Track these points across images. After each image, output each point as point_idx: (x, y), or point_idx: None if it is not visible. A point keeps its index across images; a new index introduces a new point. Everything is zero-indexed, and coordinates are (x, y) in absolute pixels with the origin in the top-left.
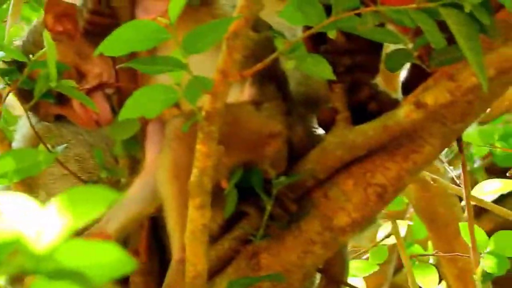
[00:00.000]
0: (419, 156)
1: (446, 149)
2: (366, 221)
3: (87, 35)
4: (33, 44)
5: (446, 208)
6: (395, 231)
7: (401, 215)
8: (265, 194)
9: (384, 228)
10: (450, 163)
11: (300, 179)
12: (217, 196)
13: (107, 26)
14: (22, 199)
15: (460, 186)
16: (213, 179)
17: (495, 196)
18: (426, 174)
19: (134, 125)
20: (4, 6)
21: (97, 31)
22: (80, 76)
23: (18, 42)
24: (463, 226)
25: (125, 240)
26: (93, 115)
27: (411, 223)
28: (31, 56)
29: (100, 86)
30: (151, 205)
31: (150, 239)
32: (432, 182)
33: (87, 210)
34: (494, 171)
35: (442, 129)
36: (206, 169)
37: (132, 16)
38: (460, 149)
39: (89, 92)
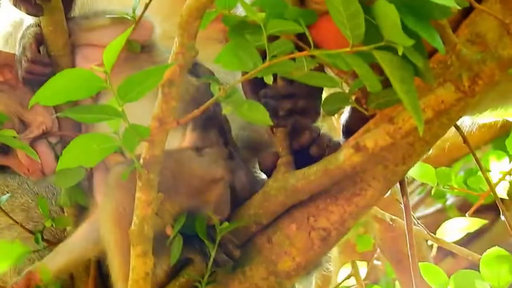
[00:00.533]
0: (362, 199)
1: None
2: (311, 265)
3: (28, 84)
4: None
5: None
6: (355, 272)
7: (369, 256)
8: (209, 240)
9: (345, 269)
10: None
11: (244, 225)
12: (162, 242)
13: (48, 74)
14: None
15: (418, 227)
16: (156, 226)
17: (462, 234)
18: (386, 215)
19: (79, 174)
20: None
21: (37, 80)
22: (24, 125)
23: None
24: (423, 266)
25: None
26: (37, 164)
27: (379, 263)
28: None
29: (43, 135)
30: (95, 249)
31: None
32: (391, 223)
33: None
34: (467, 208)
35: (384, 171)
36: (147, 217)
37: (72, 64)
38: (403, 191)
39: (33, 141)
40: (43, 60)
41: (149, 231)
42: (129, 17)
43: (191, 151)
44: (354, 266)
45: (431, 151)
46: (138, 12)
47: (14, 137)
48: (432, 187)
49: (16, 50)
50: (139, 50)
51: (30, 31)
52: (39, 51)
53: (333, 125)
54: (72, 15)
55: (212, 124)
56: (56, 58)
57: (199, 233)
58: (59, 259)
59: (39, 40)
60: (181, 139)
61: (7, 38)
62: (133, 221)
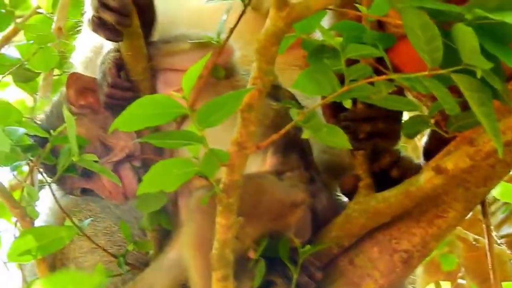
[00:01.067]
0: (444, 221)
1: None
2: (393, 287)
3: (110, 109)
4: (57, 117)
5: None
6: None
7: (453, 275)
8: (291, 263)
9: None
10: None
11: (325, 247)
12: (243, 266)
13: (128, 99)
14: None
15: (501, 246)
16: (238, 249)
17: None
18: (470, 235)
19: (161, 198)
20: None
21: (118, 104)
22: (106, 149)
23: (42, 116)
24: (507, 286)
25: None
26: (120, 188)
27: (463, 282)
28: (52, 131)
29: (126, 159)
30: (181, 276)
31: None
32: (474, 243)
33: None
34: None
35: (465, 193)
36: (227, 241)
37: (153, 89)
38: (484, 212)
39: (116, 165)
40: (123, 85)
41: (230, 255)
42: (214, 42)
43: (272, 176)
44: (438, 287)
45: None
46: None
47: (96, 161)
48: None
49: (97, 75)
50: (223, 75)
51: (110, 56)
52: (119, 76)
53: (416, 145)
54: (152, 40)
55: (293, 148)
56: (136, 83)
57: (281, 256)
58: (161, 284)
59: (119, 65)
60: (261, 163)
61: (87, 63)
62: (214, 245)
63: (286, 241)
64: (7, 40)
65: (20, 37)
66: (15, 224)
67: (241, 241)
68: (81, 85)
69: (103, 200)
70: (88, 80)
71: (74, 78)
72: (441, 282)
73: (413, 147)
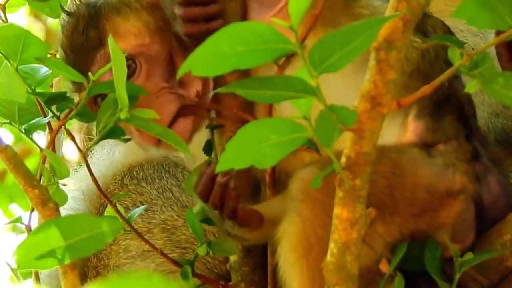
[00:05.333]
0: None
1: None
2: None
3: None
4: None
5: None
6: None
7: None
8: (444, 280)
9: None
10: None
11: (495, 257)
12: (372, 282)
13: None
14: None
15: None
16: (365, 258)
17: None
18: None
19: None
20: None
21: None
22: (173, 69)
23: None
24: None
25: None
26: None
27: None
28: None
29: (195, 108)
30: None
31: None
32: None
33: None
34: None
35: None
36: (350, 244)
37: (244, 13)
38: None
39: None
40: None
41: (353, 265)
42: None
43: (417, 150)
44: None
45: None
46: None
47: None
48: None
49: None
50: None
51: None
52: None
53: None
54: None
55: (448, 108)
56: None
57: (429, 268)
58: None
59: None
60: (400, 130)
61: None
62: (329, 249)
63: (436, 247)
64: None
65: None
66: (31, 212)
67: (370, 246)
68: None
69: (161, 180)
70: None
71: None
72: None
73: None
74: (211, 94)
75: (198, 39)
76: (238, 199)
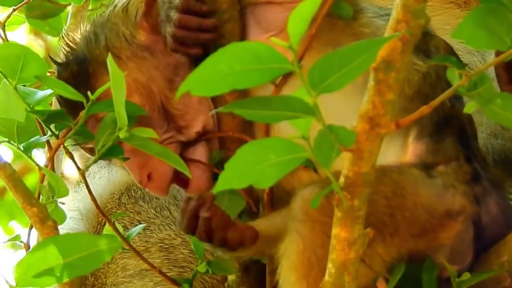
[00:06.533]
0: None
1: None
2: None
3: (179, 51)
4: (92, 50)
5: None
6: None
7: None
8: None
9: None
10: None
11: (493, 277)
12: None
13: (209, 30)
14: None
15: None
16: (363, 277)
17: None
18: None
19: (240, 200)
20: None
21: (192, 41)
22: (169, 121)
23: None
24: None
25: None
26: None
27: None
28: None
29: (199, 138)
30: None
31: None
32: None
33: None
34: None
35: None
36: (348, 263)
37: (243, 33)
38: None
39: (183, 146)
40: (201, 10)
41: (351, 285)
42: None
43: (417, 170)
44: None
45: None
46: None
47: (151, 140)
48: None
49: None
50: (351, 14)
51: None
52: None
53: None
54: None
55: (449, 129)
56: (220, 24)
57: None
58: None
59: None
60: (400, 150)
61: None
62: (327, 269)
63: (433, 267)
64: None
65: None
66: (30, 229)
67: (368, 266)
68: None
69: (158, 199)
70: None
71: None
72: None
73: None
74: (214, 111)
75: (182, 44)
76: (225, 228)
